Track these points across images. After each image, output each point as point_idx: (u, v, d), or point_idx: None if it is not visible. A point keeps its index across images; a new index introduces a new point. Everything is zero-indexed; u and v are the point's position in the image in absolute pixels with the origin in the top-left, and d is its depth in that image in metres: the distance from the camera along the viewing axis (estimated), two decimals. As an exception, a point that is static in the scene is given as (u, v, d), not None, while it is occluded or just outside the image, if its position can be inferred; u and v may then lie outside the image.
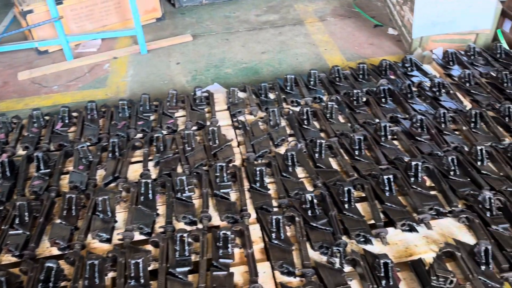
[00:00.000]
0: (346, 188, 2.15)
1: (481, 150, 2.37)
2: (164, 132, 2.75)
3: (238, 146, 2.69)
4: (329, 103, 2.84)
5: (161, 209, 2.22)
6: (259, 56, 4.11)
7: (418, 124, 2.62)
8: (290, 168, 2.43)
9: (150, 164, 2.51)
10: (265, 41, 4.35)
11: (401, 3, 4.09)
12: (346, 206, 2.14)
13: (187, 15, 5.05)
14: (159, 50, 4.25)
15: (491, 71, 3.20)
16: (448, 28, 3.62)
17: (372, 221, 2.09)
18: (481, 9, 3.58)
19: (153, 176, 2.42)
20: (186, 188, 2.24)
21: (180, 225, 2.13)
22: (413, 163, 2.26)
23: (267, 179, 2.36)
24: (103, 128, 2.85)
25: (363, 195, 2.25)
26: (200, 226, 2.12)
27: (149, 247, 2.02)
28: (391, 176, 2.22)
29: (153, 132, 2.68)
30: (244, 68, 3.93)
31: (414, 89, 3.02)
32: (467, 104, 2.93)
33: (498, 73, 3.09)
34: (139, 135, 2.78)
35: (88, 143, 2.68)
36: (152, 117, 2.93)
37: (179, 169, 2.47)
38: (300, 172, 2.45)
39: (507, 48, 3.54)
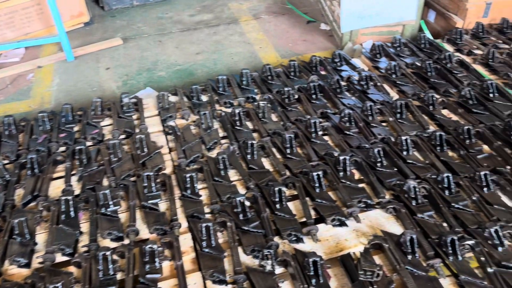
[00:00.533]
0: (276, 188, 2.13)
1: (406, 140, 2.43)
2: (89, 143, 2.61)
3: (170, 152, 2.60)
4: (261, 102, 2.82)
5: (85, 226, 2.09)
6: (193, 57, 4.02)
7: (347, 119, 2.64)
8: (222, 172, 2.37)
9: (74, 179, 2.37)
10: (200, 42, 4.27)
11: (330, -2, 4.14)
12: (277, 206, 2.12)
13: (117, 17, 4.86)
14: (87, 56, 4.06)
15: (416, 61, 3.30)
16: (375, 21, 3.70)
17: (304, 219, 2.08)
18: (405, 1, 3.68)
19: (77, 191, 2.29)
20: (110, 202, 2.13)
21: (105, 242, 2.02)
22: (341, 157, 2.28)
23: (198, 185, 2.29)
24: (23, 144, 2.66)
25: (295, 193, 2.24)
26: (127, 241, 2.02)
27: (72, 268, 1.90)
28: (320, 172, 2.22)
29: (76, 144, 2.53)
30: (178, 70, 3.83)
31: (343, 83, 3.05)
32: (394, 95, 3.00)
33: (423, 63, 3.19)
34: (62, 149, 2.62)
35: (6, 161, 2.50)
36: (75, 128, 2.78)
37: (105, 182, 2.35)
38: (233, 175, 2.40)
39: (431, 38, 3.68)
